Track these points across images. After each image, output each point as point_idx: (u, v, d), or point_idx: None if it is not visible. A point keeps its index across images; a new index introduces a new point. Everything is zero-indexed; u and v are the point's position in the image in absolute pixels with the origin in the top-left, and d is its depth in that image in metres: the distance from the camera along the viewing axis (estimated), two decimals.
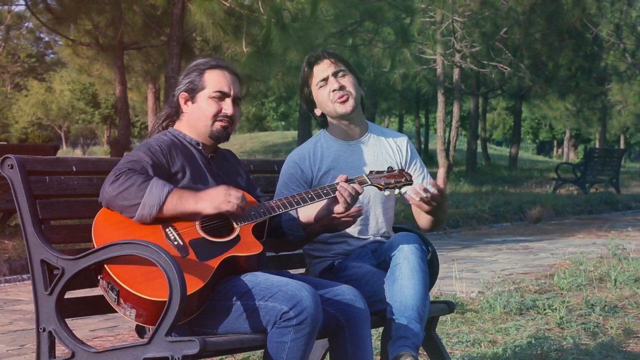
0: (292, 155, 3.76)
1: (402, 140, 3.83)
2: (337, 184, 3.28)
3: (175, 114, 3.35)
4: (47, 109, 45.66)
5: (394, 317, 3.31)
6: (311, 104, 3.75)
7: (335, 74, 3.66)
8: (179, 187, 3.13)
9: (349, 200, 3.26)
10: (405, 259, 3.37)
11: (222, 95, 3.29)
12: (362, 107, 3.80)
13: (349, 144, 3.74)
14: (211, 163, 3.31)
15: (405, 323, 3.29)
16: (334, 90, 3.65)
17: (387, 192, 3.37)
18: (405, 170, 3.46)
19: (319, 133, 3.82)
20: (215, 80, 3.28)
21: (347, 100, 3.66)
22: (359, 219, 3.68)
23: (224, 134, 3.30)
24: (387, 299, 3.36)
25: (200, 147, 3.30)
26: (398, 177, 3.40)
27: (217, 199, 3.03)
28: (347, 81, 3.67)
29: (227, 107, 3.29)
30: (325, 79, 3.66)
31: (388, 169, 3.42)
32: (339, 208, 3.28)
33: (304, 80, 3.73)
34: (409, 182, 3.41)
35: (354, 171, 3.56)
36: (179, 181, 3.17)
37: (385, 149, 3.77)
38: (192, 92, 3.28)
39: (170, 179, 3.15)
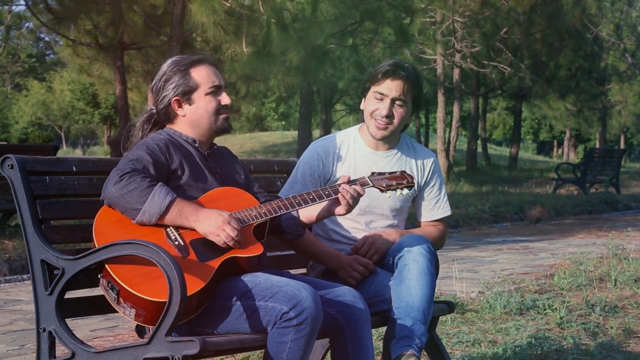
0: (318, 147, 3.71)
1: (429, 160, 3.79)
2: (339, 185, 3.27)
3: (166, 119, 3.32)
4: (47, 109, 45.64)
5: (399, 317, 3.31)
6: (364, 95, 3.71)
7: (393, 100, 3.61)
8: (181, 187, 3.13)
9: (350, 202, 3.25)
10: (415, 260, 3.37)
11: (217, 89, 3.28)
12: (404, 127, 3.74)
13: (375, 152, 3.72)
14: (209, 160, 3.31)
15: (410, 324, 3.29)
16: (380, 113, 3.61)
17: (388, 194, 3.37)
18: (407, 172, 3.45)
19: (351, 130, 3.78)
20: (204, 76, 3.26)
21: (384, 129, 3.63)
22: (364, 223, 3.67)
23: (227, 126, 3.31)
24: (393, 299, 3.36)
25: (197, 145, 3.29)
26: (400, 179, 3.40)
27: (211, 227, 3.00)
28: (398, 113, 3.62)
29: (225, 98, 3.29)
30: (383, 96, 3.62)
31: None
32: (340, 210, 3.27)
33: (372, 78, 3.65)
34: (410, 185, 3.41)
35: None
36: (179, 178, 3.16)
37: (409, 165, 3.74)
38: (186, 94, 3.25)
39: (170, 176, 3.15)
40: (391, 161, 3.72)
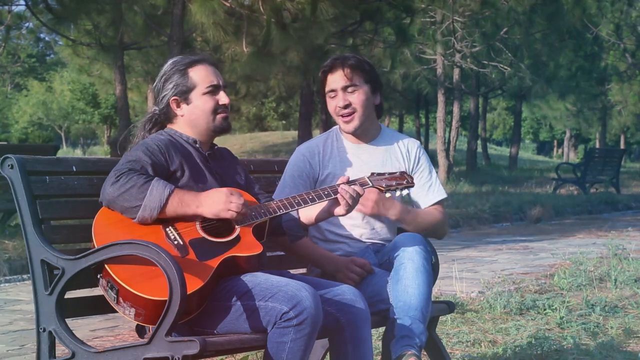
0: (302, 149, 3.73)
1: (413, 146, 3.78)
2: (339, 185, 3.27)
3: (166, 119, 3.33)
4: (47, 109, 45.65)
5: (397, 316, 3.30)
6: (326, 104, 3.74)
7: (344, 88, 3.61)
8: (180, 188, 3.13)
9: (350, 202, 3.25)
10: (410, 259, 3.36)
11: (215, 89, 3.29)
12: (379, 111, 3.75)
13: (358, 146, 3.72)
14: (209, 161, 3.31)
15: (409, 323, 3.29)
16: (339, 107, 3.62)
17: (388, 195, 3.37)
18: (407, 173, 3.45)
19: (332, 129, 3.79)
20: (202, 75, 3.27)
21: (351, 120, 3.63)
22: (362, 221, 3.68)
23: (226, 125, 3.31)
24: (390, 299, 3.36)
25: (197, 145, 3.30)
26: (399, 180, 3.39)
27: (218, 205, 3.02)
28: (356, 97, 3.61)
29: (223, 97, 3.29)
30: (335, 91, 3.63)
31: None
32: (339, 210, 3.27)
33: (320, 84, 3.69)
34: (411, 185, 3.40)
35: (359, 174, 3.55)
36: (178, 179, 3.16)
37: (395, 154, 3.74)
38: (183, 93, 3.26)
39: (169, 177, 3.15)
40: (374, 152, 3.71)
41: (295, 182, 3.63)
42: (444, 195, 3.79)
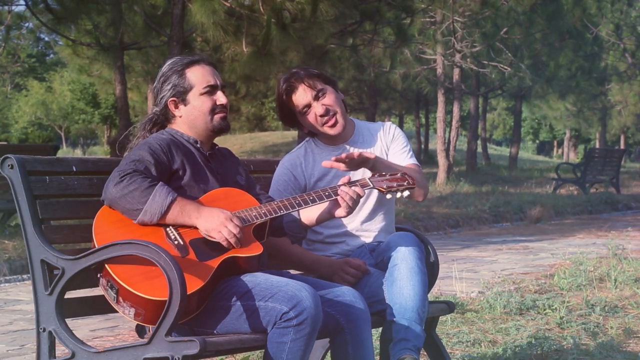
0: (284, 162, 3.75)
1: (387, 126, 3.79)
2: (339, 186, 3.27)
3: (165, 120, 3.33)
4: (47, 109, 45.63)
5: (394, 319, 3.30)
6: (297, 125, 3.73)
7: (315, 97, 3.61)
8: (182, 187, 3.13)
9: (350, 203, 3.24)
10: (404, 260, 3.36)
11: (212, 89, 3.28)
12: (345, 107, 3.76)
13: (339, 147, 3.73)
14: (210, 161, 3.31)
15: (406, 325, 3.28)
16: (321, 116, 3.62)
17: (389, 196, 3.36)
18: (408, 174, 3.44)
19: (306, 140, 3.80)
20: (199, 76, 3.27)
21: (336, 122, 3.63)
22: (359, 220, 3.67)
23: (225, 125, 3.31)
24: (386, 301, 3.36)
25: (198, 145, 3.30)
26: (400, 181, 3.38)
27: (213, 223, 3.00)
28: (330, 99, 3.62)
29: (220, 97, 3.29)
30: (308, 105, 3.63)
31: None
32: (340, 212, 3.26)
33: (285, 107, 3.66)
34: (412, 186, 3.40)
35: (347, 174, 3.55)
36: (180, 179, 3.16)
37: (373, 144, 3.74)
38: (181, 94, 3.26)
39: (171, 176, 3.15)
40: (357, 147, 3.72)
41: (282, 196, 3.63)
42: (418, 164, 3.76)
